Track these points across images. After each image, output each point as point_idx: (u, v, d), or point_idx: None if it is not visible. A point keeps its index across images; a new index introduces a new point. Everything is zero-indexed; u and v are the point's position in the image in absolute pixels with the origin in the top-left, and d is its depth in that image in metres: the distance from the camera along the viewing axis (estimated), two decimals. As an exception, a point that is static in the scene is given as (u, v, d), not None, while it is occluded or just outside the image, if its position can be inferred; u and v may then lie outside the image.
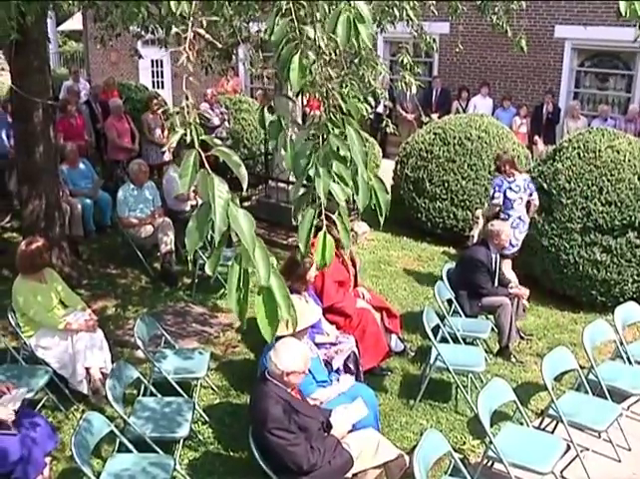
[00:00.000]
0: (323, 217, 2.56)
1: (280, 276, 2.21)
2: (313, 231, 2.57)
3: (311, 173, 2.58)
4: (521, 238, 8.24)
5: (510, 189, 8.13)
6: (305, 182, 2.70)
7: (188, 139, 2.18)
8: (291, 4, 2.57)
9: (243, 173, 2.16)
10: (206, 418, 5.98)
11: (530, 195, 8.19)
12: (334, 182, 2.60)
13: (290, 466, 4.45)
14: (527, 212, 8.23)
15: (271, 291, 2.18)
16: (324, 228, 2.58)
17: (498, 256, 7.42)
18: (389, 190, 10.49)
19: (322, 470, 4.50)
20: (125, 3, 5.64)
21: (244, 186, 2.21)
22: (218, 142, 2.21)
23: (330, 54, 2.99)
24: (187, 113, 2.20)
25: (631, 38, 3.60)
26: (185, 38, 2.35)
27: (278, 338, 4.57)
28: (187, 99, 2.22)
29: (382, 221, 2.82)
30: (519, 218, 8.16)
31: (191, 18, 2.62)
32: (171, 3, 2.81)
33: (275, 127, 2.84)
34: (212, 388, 6.47)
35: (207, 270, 2.22)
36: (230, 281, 2.13)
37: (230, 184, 2.12)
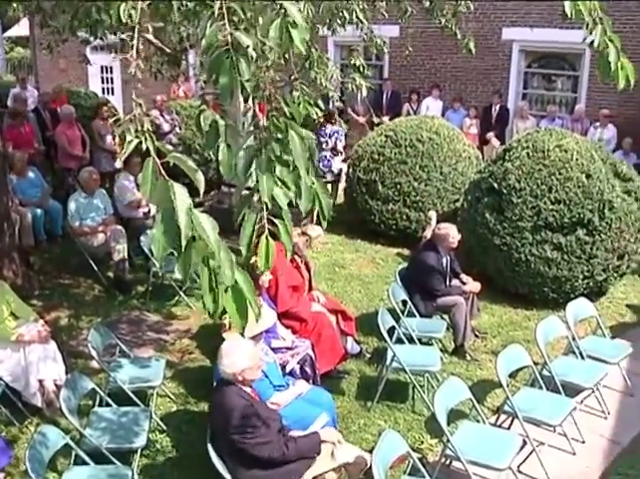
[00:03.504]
0: (265, 221, 2.58)
1: (245, 273, 2.27)
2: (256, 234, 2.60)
3: (254, 177, 2.59)
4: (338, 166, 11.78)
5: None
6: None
7: (144, 147, 2.18)
8: (224, 9, 2.57)
9: (200, 178, 2.19)
10: (164, 427, 5.93)
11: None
12: (277, 186, 2.61)
13: (264, 460, 4.46)
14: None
15: (239, 288, 2.24)
16: (265, 232, 2.59)
17: (449, 257, 7.50)
18: (341, 193, 10.53)
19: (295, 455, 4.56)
20: (71, 9, 5.57)
21: (201, 190, 2.24)
22: (170, 148, 2.21)
23: (278, 57, 2.99)
24: (140, 121, 2.19)
25: (576, 39, 3.67)
26: (133, 46, 2.33)
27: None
28: (140, 106, 2.21)
29: (324, 224, 2.84)
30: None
31: (138, 25, 2.59)
32: (121, 10, 2.79)
33: (212, 133, 2.84)
34: (169, 396, 6.41)
35: (179, 276, 2.26)
36: (203, 283, 2.17)
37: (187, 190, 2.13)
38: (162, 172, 2.14)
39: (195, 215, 2.14)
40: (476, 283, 7.54)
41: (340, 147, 12.15)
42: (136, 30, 2.42)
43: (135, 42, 2.38)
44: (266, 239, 2.61)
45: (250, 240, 2.58)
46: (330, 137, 11.96)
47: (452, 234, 7.38)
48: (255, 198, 2.63)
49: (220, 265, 2.18)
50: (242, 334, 2.35)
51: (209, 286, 2.21)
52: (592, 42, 3.53)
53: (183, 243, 2.13)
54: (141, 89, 2.33)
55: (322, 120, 11.59)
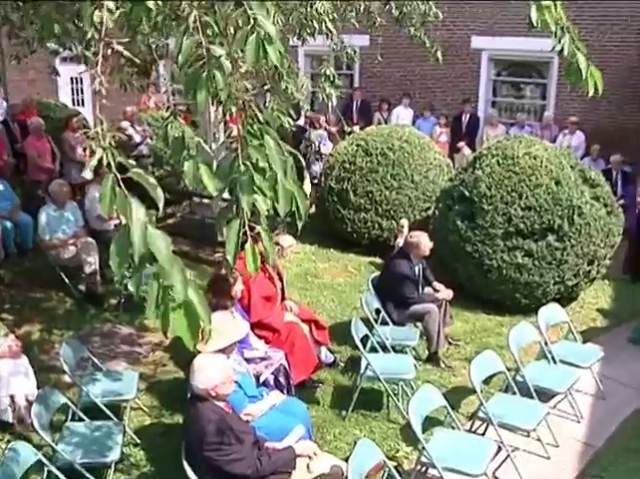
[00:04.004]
0: (247, 229, 2.59)
1: (198, 290, 2.26)
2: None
3: (232, 186, 2.60)
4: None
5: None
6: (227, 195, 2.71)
7: (105, 162, 2.18)
8: (198, 23, 2.57)
9: (159, 194, 2.20)
10: (137, 440, 5.87)
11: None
12: (256, 193, 2.62)
13: (238, 477, 4.43)
14: None
15: (191, 305, 2.22)
16: (249, 239, 2.59)
17: (421, 265, 7.54)
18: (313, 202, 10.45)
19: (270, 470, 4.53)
20: (39, 18, 5.53)
21: (160, 206, 2.23)
22: (133, 163, 2.21)
23: (248, 66, 3.00)
24: (102, 137, 2.19)
25: (544, 48, 3.72)
26: (98, 61, 2.33)
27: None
28: (102, 122, 2.21)
29: (300, 225, 2.86)
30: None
31: (106, 37, 2.59)
32: (94, 17, 2.78)
33: (178, 144, 2.84)
34: (143, 409, 6.36)
35: (131, 288, 2.24)
36: (150, 299, 2.16)
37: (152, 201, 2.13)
38: (122, 187, 2.14)
39: (150, 231, 2.14)
40: (448, 291, 7.58)
41: (324, 150, 12.35)
42: (101, 45, 2.42)
43: (99, 57, 2.38)
44: (252, 245, 2.62)
45: (237, 249, 2.59)
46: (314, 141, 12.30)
47: (423, 241, 7.42)
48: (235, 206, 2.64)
49: (172, 283, 2.17)
50: (196, 351, 2.34)
51: (156, 303, 2.21)
52: (561, 50, 3.58)
53: (136, 260, 2.14)
54: (105, 103, 2.33)
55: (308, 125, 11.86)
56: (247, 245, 2.63)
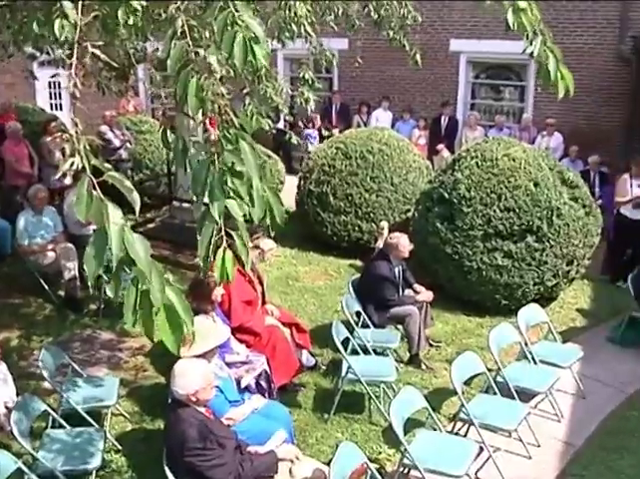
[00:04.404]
0: (223, 233, 2.58)
1: (180, 293, 2.25)
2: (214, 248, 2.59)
3: (207, 191, 2.59)
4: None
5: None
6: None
7: (80, 166, 2.16)
8: (185, 27, 2.57)
9: (135, 197, 2.18)
10: (119, 446, 5.84)
11: None
12: (230, 198, 2.62)
13: None
14: None
15: (172, 308, 2.22)
16: (223, 244, 2.59)
17: (401, 267, 7.56)
18: (293, 205, 10.50)
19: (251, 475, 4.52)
20: (14, 24, 5.49)
21: (137, 209, 2.22)
22: (109, 166, 2.20)
23: (227, 71, 3.00)
24: (77, 139, 2.18)
25: (521, 50, 3.74)
26: (72, 63, 2.32)
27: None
28: (77, 125, 2.20)
29: (272, 234, 2.87)
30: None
31: (81, 40, 2.58)
32: (55, 26, 2.77)
33: (179, 147, 2.84)
34: (124, 415, 6.32)
35: (110, 294, 2.23)
36: (127, 304, 2.15)
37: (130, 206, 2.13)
38: (98, 190, 2.13)
39: (127, 236, 2.13)
40: (428, 292, 7.60)
41: (311, 149, 12.62)
42: (75, 48, 2.41)
43: (74, 59, 2.37)
44: (224, 251, 2.61)
45: (208, 254, 2.58)
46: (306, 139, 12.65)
47: (402, 242, 7.44)
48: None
49: (151, 287, 2.16)
50: (178, 355, 2.33)
51: (133, 307, 2.19)
52: (532, 52, 3.61)
53: (114, 264, 2.13)
54: (80, 106, 2.32)
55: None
56: (219, 253, 2.62)
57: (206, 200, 2.76)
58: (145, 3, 3.22)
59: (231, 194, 2.63)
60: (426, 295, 7.54)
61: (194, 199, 2.71)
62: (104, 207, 2.10)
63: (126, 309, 2.18)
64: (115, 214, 2.11)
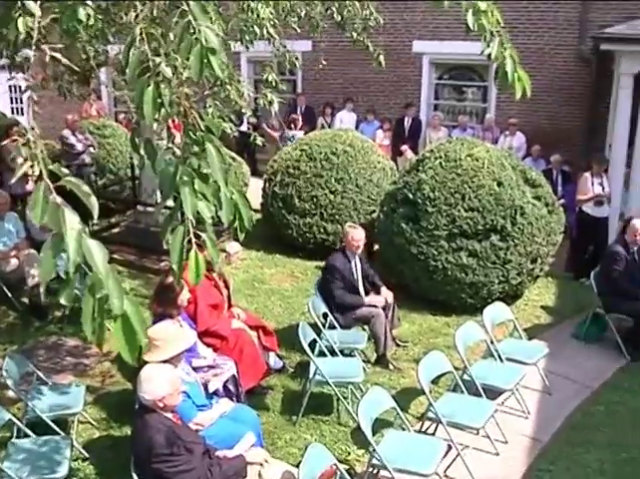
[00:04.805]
0: (192, 236, 2.57)
1: (136, 304, 2.22)
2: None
3: (176, 193, 2.58)
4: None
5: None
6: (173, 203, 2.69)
7: (37, 171, 2.14)
8: (144, 35, 2.56)
9: (93, 202, 2.16)
10: (86, 454, 5.77)
11: None
12: (199, 200, 2.61)
13: None
14: None
15: (128, 318, 2.19)
16: (194, 247, 2.58)
17: (359, 261, 7.54)
18: (258, 207, 10.43)
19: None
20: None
21: (95, 214, 2.20)
22: (66, 171, 2.17)
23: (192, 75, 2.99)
24: (34, 144, 2.15)
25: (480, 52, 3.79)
26: (28, 67, 2.30)
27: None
28: (33, 129, 2.17)
29: (242, 237, 2.86)
30: None
31: (40, 43, 2.55)
32: (19, 25, 2.74)
33: (150, 150, 2.82)
34: (91, 423, 6.25)
35: (63, 301, 2.18)
36: (85, 312, 2.11)
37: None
38: (55, 195, 2.10)
39: (85, 241, 2.10)
40: (387, 292, 7.59)
41: None
42: (33, 50, 2.38)
43: (30, 62, 2.35)
44: (195, 254, 2.60)
45: (181, 257, 2.56)
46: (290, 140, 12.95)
47: (351, 232, 7.45)
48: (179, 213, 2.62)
49: (108, 294, 2.13)
50: (142, 361, 2.31)
51: (91, 316, 2.17)
52: (490, 54, 3.65)
53: (71, 270, 2.10)
54: (38, 111, 2.31)
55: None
56: (190, 254, 2.61)
57: (170, 203, 2.74)
58: (104, 4, 3.20)
59: (200, 196, 2.63)
60: (378, 301, 7.46)
61: (157, 202, 2.70)
62: (60, 211, 2.07)
63: (84, 318, 2.14)
64: (72, 219, 2.07)
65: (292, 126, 14.24)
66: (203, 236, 2.64)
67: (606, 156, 11.02)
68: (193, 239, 2.60)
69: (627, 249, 7.82)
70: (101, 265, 2.09)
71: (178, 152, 2.70)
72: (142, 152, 2.97)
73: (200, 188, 2.64)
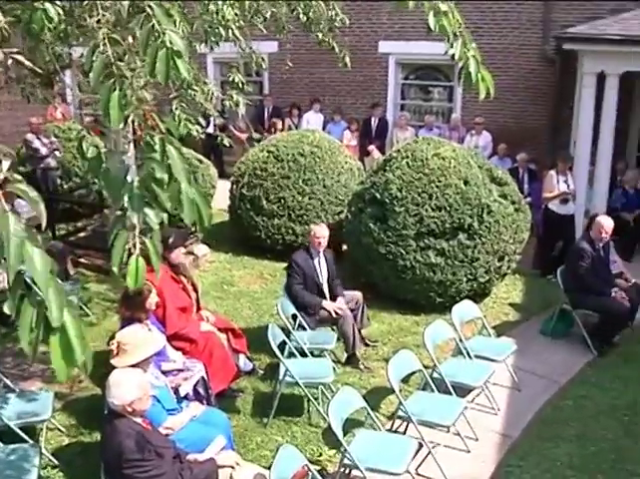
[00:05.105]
0: (137, 241, 2.55)
1: (77, 317, 2.17)
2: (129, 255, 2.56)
3: (126, 199, 2.56)
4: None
5: None
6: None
7: None
8: (107, 40, 2.54)
9: (41, 210, 2.12)
10: (55, 462, 5.70)
11: None
12: (149, 206, 2.58)
13: None
14: None
15: (65, 333, 2.15)
16: (136, 251, 2.56)
17: (325, 260, 7.55)
18: (226, 209, 10.37)
19: None
20: None
21: (43, 223, 2.17)
22: (19, 177, 2.14)
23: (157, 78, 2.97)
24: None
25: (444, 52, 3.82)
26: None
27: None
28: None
29: (200, 236, 2.87)
30: None
31: (3, 46, 2.53)
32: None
33: (96, 159, 2.79)
34: (60, 429, 6.19)
35: (7, 311, 2.14)
36: (23, 322, 2.08)
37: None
38: (2, 201, 2.07)
39: (27, 249, 2.06)
40: (355, 293, 7.64)
41: None
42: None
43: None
44: (136, 258, 2.57)
45: (120, 260, 2.54)
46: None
47: (314, 229, 7.49)
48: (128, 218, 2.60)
49: (48, 306, 2.09)
50: (64, 379, 2.22)
51: (29, 326, 2.12)
52: (454, 55, 3.68)
53: (11, 277, 2.06)
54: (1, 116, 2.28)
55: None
56: (131, 259, 2.58)
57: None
58: (67, 5, 3.17)
59: (151, 202, 2.60)
60: (333, 307, 7.34)
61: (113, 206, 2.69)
62: (5, 217, 2.03)
63: (21, 328, 2.09)
64: (16, 225, 2.03)
65: (273, 130, 14.18)
66: (147, 241, 2.62)
67: (571, 153, 11.14)
68: (138, 245, 2.57)
69: (593, 246, 7.91)
70: (42, 275, 2.04)
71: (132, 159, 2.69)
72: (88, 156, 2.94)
73: (152, 193, 2.62)
